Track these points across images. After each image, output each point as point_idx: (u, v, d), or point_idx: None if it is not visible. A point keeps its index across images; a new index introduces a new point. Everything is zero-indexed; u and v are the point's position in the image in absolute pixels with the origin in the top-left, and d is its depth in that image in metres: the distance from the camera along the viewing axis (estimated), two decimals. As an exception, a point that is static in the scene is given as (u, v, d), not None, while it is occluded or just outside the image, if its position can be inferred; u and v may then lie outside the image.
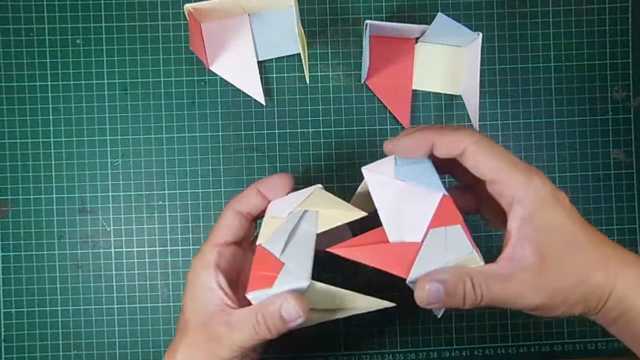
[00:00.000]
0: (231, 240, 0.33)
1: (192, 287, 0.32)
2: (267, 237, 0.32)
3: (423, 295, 0.28)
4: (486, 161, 0.29)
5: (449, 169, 0.34)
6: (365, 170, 0.33)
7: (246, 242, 0.35)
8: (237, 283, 0.34)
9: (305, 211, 0.33)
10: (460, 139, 0.29)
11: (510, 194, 0.28)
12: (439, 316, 0.34)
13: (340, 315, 0.32)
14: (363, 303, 0.32)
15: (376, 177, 0.32)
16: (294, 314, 0.29)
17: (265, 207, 0.34)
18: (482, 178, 0.29)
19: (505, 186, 0.29)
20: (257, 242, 0.32)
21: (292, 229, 0.32)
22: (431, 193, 0.31)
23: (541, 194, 0.28)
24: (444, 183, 0.32)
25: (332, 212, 0.32)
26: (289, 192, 0.35)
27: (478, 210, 0.36)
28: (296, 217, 0.32)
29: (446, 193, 0.31)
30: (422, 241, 0.30)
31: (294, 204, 0.33)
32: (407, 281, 0.29)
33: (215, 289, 0.31)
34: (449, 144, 0.30)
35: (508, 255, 0.28)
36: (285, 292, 0.29)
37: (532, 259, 0.28)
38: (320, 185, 0.34)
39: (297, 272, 0.30)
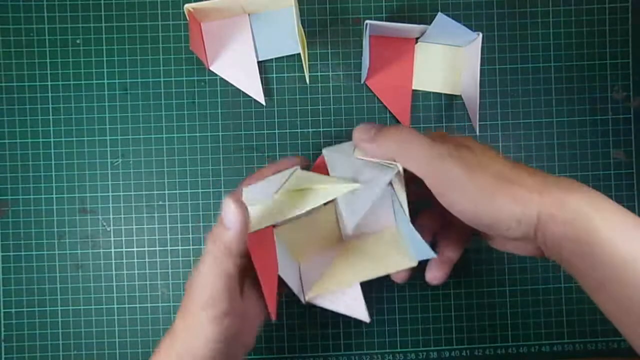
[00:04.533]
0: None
1: (203, 285, 0.31)
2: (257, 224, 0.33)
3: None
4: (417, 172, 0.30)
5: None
6: (325, 151, 0.34)
7: None
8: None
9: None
10: (416, 167, 0.30)
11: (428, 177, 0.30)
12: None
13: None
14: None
15: (336, 156, 0.33)
16: (232, 218, 0.30)
17: None
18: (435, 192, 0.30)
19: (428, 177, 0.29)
20: (252, 229, 0.32)
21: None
22: (387, 168, 0.32)
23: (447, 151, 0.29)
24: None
25: (324, 186, 0.32)
26: None
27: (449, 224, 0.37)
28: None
29: (401, 170, 0.32)
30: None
31: (272, 191, 0.33)
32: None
33: (227, 299, 0.31)
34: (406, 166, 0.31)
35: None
36: (226, 197, 0.30)
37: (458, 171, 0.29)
38: (298, 167, 0.34)
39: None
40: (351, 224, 0.32)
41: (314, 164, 0.36)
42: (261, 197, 0.33)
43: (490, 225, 0.28)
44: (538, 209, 0.27)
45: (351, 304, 0.35)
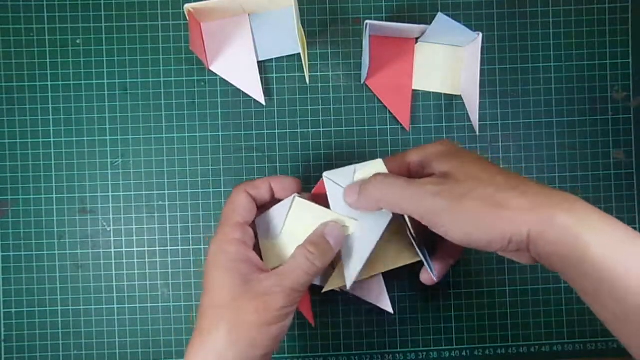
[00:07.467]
0: (247, 220, 0.35)
1: (218, 263, 0.33)
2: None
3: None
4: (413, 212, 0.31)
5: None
6: (325, 177, 0.34)
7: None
8: None
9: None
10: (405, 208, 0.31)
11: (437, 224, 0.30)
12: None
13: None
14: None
15: (336, 188, 0.34)
16: (337, 232, 0.33)
17: (267, 201, 0.36)
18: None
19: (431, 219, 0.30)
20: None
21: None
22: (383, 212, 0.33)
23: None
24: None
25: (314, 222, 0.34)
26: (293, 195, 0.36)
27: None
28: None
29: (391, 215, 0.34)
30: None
31: (280, 224, 0.35)
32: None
33: (249, 259, 0.33)
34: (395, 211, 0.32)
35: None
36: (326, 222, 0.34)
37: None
38: (296, 195, 0.35)
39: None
40: (350, 282, 0.34)
41: (314, 186, 0.37)
42: (272, 231, 0.35)
43: (485, 247, 0.29)
44: (528, 228, 0.27)
45: (377, 295, 0.39)
